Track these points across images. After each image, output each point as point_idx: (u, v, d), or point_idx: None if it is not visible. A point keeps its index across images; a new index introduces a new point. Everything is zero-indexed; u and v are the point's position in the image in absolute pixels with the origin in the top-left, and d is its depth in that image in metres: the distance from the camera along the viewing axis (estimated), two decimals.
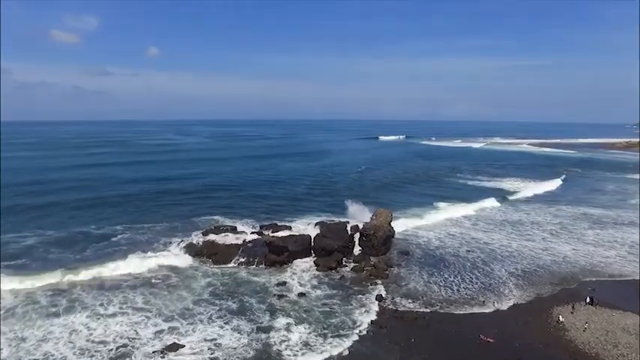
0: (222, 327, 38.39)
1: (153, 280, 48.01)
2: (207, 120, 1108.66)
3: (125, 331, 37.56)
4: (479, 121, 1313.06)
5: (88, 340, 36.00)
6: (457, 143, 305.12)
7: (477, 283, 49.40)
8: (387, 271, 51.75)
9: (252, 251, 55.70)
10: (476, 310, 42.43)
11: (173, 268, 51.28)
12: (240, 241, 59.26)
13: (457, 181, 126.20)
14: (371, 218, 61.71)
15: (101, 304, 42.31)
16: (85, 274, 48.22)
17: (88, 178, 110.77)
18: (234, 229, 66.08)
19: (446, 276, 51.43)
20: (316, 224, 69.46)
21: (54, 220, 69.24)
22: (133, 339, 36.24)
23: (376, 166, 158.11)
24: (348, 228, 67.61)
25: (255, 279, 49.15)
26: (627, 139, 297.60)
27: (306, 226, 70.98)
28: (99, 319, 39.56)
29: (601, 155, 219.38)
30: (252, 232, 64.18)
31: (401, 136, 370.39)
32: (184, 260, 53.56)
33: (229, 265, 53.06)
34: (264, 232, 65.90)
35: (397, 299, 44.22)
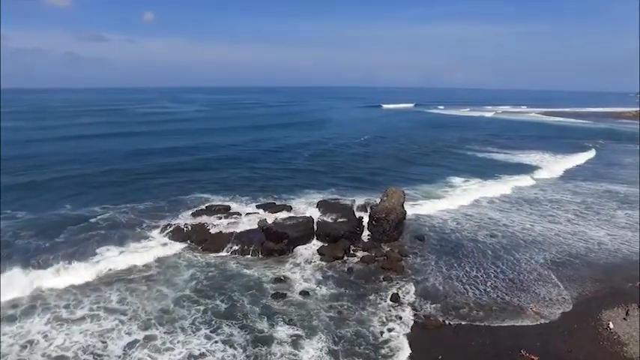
0: (209, 337, 31.85)
1: (131, 274, 41.33)
2: (204, 87, 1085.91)
3: (91, 343, 31.07)
4: (479, 88, 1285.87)
5: (43, 355, 29.55)
6: (466, 112, 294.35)
7: (504, 279, 42.60)
8: (400, 262, 45.07)
9: (247, 237, 48.89)
10: (510, 315, 35.73)
11: (156, 258, 44.50)
12: (233, 225, 52.51)
13: (471, 154, 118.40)
14: (381, 199, 54.60)
15: (67, 306, 35.79)
16: (53, 267, 41.44)
17: (74, 152, 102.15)
18: (227, 210, 59.15)
19: (467, 269, 44.74)
20: (318, 204, 62.57)
21: (29, 201, 61.98)
22: (98, 356, 29.74)
23: (382, 136, 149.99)
24: (354, 208, 61.03)
25: (250, 272, 42.46)
26: (636, 109, 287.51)
27: (307, 206, 64.21)
28: (62, 325, 33.08)
29: (615, 125, 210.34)
30: (248, 214, 57.25)
31: (406, 105, 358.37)
32: (170, 248, 46.85)
33: (221, 254, 46.32)
34: (260, 212, 59.03)
35: (415, 300, 37.53)
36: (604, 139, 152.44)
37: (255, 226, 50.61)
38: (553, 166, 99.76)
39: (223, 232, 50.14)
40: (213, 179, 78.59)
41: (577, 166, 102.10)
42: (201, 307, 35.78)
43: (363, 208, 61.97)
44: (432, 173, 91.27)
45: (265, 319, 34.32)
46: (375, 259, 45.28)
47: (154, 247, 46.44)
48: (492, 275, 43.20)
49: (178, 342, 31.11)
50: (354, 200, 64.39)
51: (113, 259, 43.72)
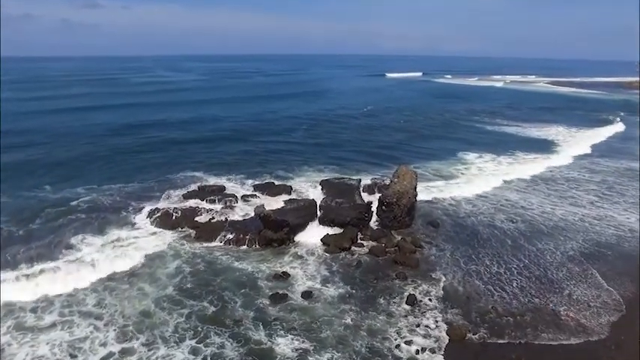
0: (195, 352, 27.24)
1: (112, 270, 36.50)
2: (202, 55, 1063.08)
3: (59, 358, 26.53)
4: (483, 57, 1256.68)
5: None
6: (473, 81, 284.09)
7: (530, 277, 37.38)
8: (414, 254, 40.23)
9: (242, 225, 43.99)
10: (545, 324, 30.79)
11: (140, 249, 39.62)
12: (227, 210, 47.56)
13: (481, 127, 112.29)
14: (391, 180, 49.27)
15: (35, 309, 31.11)
16: (23, 263, 36.56)
17: (62, 127, 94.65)
18: (221, 191, 54.06)
19: (487, 262, 39.79)
20: (321, 183, 57.29)
21: (5, 182, 56.61)
22: None
23: (386, 107, 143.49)
24: (361, 189, 55.89)
25: (245, 266, 37.61)
26: None
27: (308, 186, 59.32)
28: (25, 335, 28.47)
29: (631, 96, 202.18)
30: (244, 196, 52.14)
31: (411, 74, 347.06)
32: (156, 238, 41.93)
33: (213, 244, 41.39)
34: (258, 195, 53.97)
35: (434, 304, 32.65)
36: (624, 112, 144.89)
37: (252, 212, 45.73)
38: (570, 141, 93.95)
39: (216, 218, 45.24)
40: (207, 155, 73.28)
41: (597, 140, 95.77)
42: (186, 311, 31.07)
43: (370, 188, 56.97)
44: (442, 148, 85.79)
45: (262, 326, 29.64)
46: (385, 251, 40.42)
47: (139, 239, 41.41)
48: (516, 272, 38.22)
49: (158, 358, 26.52)
50: (360, 180, 59.13)
51: (91, 250, 38.80)
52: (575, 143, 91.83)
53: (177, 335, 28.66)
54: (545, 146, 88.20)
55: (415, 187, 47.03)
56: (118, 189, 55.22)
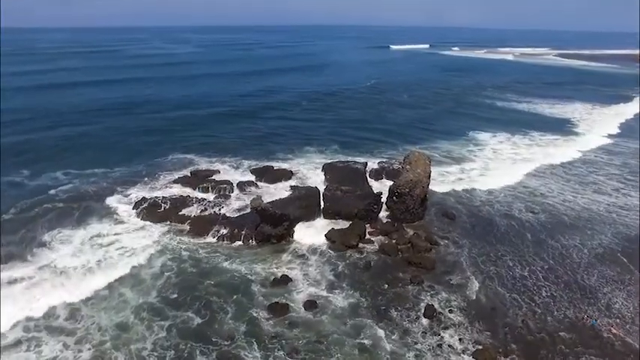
0: None
1: (88, 283, 32.11)
2: (200, 26, 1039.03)
3: None
4: (486, 28, 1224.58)
5: None
6: (481, 54, 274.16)
7: (558, 282, 33.06)
8: (429, 252, 35.94)
9: (238, 217, 39.53)
10: (585, 343, 26.63)
11: (122, 248, 35.25)
12: (222, 200, 42.98)
13: (491, 103, 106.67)
14: (402, 166, 44.50)
15: None
16: None
17: (49, 104, 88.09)
18: (215, 177, 49.44)
19: (509, 263, 35.51)
20: (324, 168, 52.82)
21: None
22: None
23: (391, 81, 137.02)
24: (367, 174, 51.35)
25: (240, 267, 33.41)
26: None
27: (310, 169, 54.81)
28: None
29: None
30: (241, 184, 47.50)
31: (416, 45, 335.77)
32: (142, 234, 37.50)
33: (204, 241, 37.04)
34: (255, 180, 49.38)
35: (457, 318, 28.47)
36: None
37: (248, 202, 41.23)
38: (587, 119, 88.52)
39: (209, 210, 40.74)
40: (201, 135, 68.32)
41: (615, 120, 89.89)
42: (168, 323, 27.08)
43: (377, 173, 52.38)
44: (451, 126, 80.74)
45: (257, 345, 25.57)
46: (398, 249, 36.07)
47: (122, 235, 36.94)
48: (542, 276, 33.87)
49: None
50: (366, 164, 54.51)
51: (68, 250, 34.52)
52: (592, 122, 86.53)
53: (155, 355, 24.65)
54: (561, 126, 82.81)
55: (429, 175, 42.37)
56: (102, 174, 50.67)
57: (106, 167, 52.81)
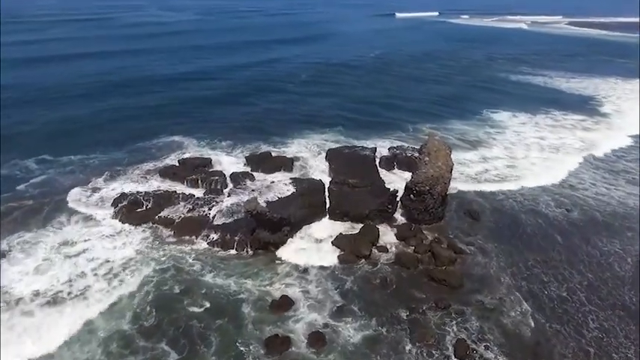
0: None
1: (56, 287, 27.15)
2: None
3: None
4: None
5: None
6: (493, 22, 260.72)
7: (603, 305, 27.87)
8: (454, 264, 30.73)
9: (230, 219, 34.12)
10: None
11: (94, 261, 29.94)
12: (213, 196, 37.41)
13: (505, 77, 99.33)
14: (419, 158, 38.58)
15: None
16: None
17: (30, 81, 79.53)
18: (205, 166, 43.83)
19: (543, 278, 30.54)
20: (328, 154, 47.26)
21: None
22: None
23: (396, 52, 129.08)
24: (377, 162, 45.71)
25: (227, 284, 28.33)
26: None
27: (312, 156, 49.41)
28: None
29: None
30: (234, 175, 41.85)
31: (423, 13, 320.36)
32: (118, 241, 32.20)
33: (190, 248, 31.77)
34: (251, 171, 43.77)
35: (496, 357, 23.42)
36: None
37: (243, 197, 35.90)
38: (611, 96, 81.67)
39: (197, 209, 35.21)
40: (191, 114, 62.25)
41: None
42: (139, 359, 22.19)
43: (388, 162, 46.73)
44: (464, 103, 74.35)
45: None
46: (417, 260, 30.78)
47: (94, 243, 31.61)
48: (583, 297, 28.63)
49: None
50: (375, 149, 48.80)
51: (34, 259, 29.38)
52: (617, 99, 79.75)
53: None
54: (584, 104, 76.18)
55: (451, 169, 36.67)
56: (79, 162, 45.06)
57: (84, 153, 47.17)
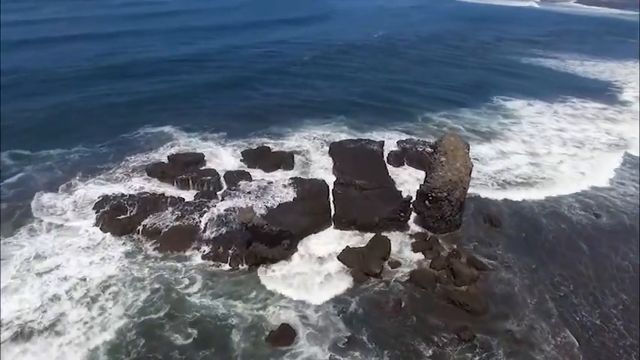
0: None
1: (25, 316, 23.63)
2: None
3: None
4: None
5: None
6: (504, 0, 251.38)
7: None
8: (476, 282, 27.25)
9: (224, 228, 30.37)
10: None
11: (67, 281, 26.24)
12: (205, 200, 33.58)
13: (517, 60, 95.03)
14: (434, 154, 34.55)
15: None
16: None
17: (6, 66, 70.92)
18: (197, 162, 39.94)
19: (573, 300, 27.32)
20: (332, 149, 43.50)
21: None
22: None
23: (399, 33, 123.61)
24: (385, 157, 41.90)
25: (216, 306, 24.91)
26: None
27: (314, 150, 45.65)
28: None
29: None
30: (229, 174, 38.00)
31: None
32: (97, 256, 28.50)
33: (177, 265, 28.09)
34: (248, 168, 40.00)
35: None
36: None
37: (237, 204, 32.17)
38: (631, 82, 77.32)
39: (188, 216, 31.41)
40: (183, 102, 57.82)
41: None
42: None
43: (397, 158, 43.00)
44: (474, 90, 69.99)
45: None
46: (435, 278, 27.25)
47: (69, 258, 27.91)
48: (621, 325, 25.33)
49: None
50: (383, 142, 44.94)
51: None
52: (637, 84, 75.35)
53: None
54: (603, 90, 71.91)
55: (470, 171, 32.81)
56: (58, 157, 41.09)
57: (65, 146, 43.12)
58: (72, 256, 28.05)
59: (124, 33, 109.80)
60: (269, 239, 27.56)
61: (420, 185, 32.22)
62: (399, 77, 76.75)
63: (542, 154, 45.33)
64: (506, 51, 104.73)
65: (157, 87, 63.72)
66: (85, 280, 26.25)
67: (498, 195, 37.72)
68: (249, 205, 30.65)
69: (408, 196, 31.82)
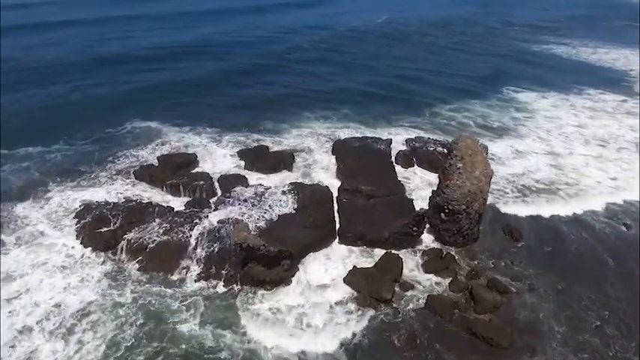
0: None
1: None
2: None
3: None
4: None
5: None
6: None
7: None
8: (498, 309, 24.34)
9: (216, 248, 27.19)
10: None
11: (36, 305, 23.29)
12: (195, 211, 30.31)
13: (529, 47, 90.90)
14: (449, 159, 31.13)
15: None
16: None
17: None
18: (189, 163, 36.71)
19: (606, 330, 24.20)
20: (335, 147, 40.32)
21: None
22: None
23: (403, 17, 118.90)
24: (393, 157, 38.74)
25: (205, 335, 22.04)
26: None
27: (315, 147, 42.23)
28: None
29: None
30: (223, 177, 34.76)
31: None
32: (77, 275, 25.43)
33: (166, 286, 25.09)
34: (245, 169, 36.83)
35: None
36: None
37: (231, 214, 28.99)
38: None
39: (177, 229, 28.12)
40: (174, 94, 53.75)
41: None
42: None
43: (406, 158, 40.00)
44: (482, 80, 66.15)
45: None
46: (453, 305, 24.27)
47: (42, 278, 24.79)
48: None
49: None
50: (391, 140, 41.69)
51: None
52: None
53: None
54: (619, 80, 68.24)
55: (490, 180, 29.60)
56: (37, 156, 37.87)
57: (45, 144, 39.78)
58: (45, 276, 24.99)
59: (112, 19, 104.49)
60: (267, 260, 24.49)
61: (435, 196, 29.00)
62: (403, 64, 73.02)
63: (563, 155, 41.69)
64: (514, 37, 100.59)
65: (146, 77, 59.75)
66: (59, 306, 23.24)
67: (519, 205, 34.20)
68: (244, 217, 27.51)
69: (421, 209, 28.66)
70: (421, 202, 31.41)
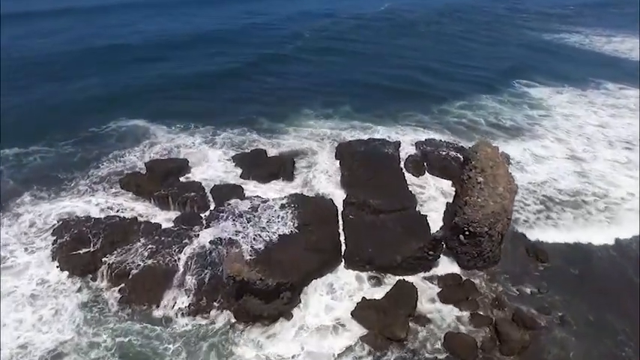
0: None
1: None
2: None
3: None
4: None
5: None
6: None
7: None
8: (527, 349, 21.48)
9: (207, 274, 24.11)
10: None
11: (6, 344, 20.39)
12: (184, 230, 27.13)
13: (540, 36, 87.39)
14: (467, 162, 27.79)
15: None
16: None
17: None
18: (181, 171, 33.47)
19: None
20: (339, 150, 37.08)
21: None
22: None
23: (408, 5, 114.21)
24: (402, 162, 35.63)
25: None
26: None
27: (317, 148, 39.17)
28: None
29: None
30: (217, 189, 31.53)
31: None
32: (49, 308, 22.41)
33: (149, 323, 22.11)
34: (241, 178, 33.62)
35: None
36: None
37: (226, 225, 25.91)
38: None
39: (164, 251, 24.99)
40: (163, 90, 50.32)
41: None
42: None
43: (416, 164, 36.80)
44: (492, 73, 62.85)
45: None
46: (475, 345, 21.37)
47: (8, 308, 21.79)
48: None
49: None
50: (399, 143, 38.53)
51: None
52: None
53: None
54: (638, 72, 64.57)
55: (514, 196, 26.45)
56: (13, 159, 34.79)
57: (23, 144, 36.86)
58: (12, 309, 21.95)
59: (102, 8, 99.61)
60: (264, 294, 21.47)
61: (452, 212, 25.93)
62: (408, 55, 69.48)
63: (587, 159, 38.14)
64: (523, 25, 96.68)
65: (134, 71, 56.79)
66: (26, 347, 20.28)
67: (542, 222, 30.78)
68: (239, 237, 24.47)
69: (438, 231, 25.53)
70: (436, 217, 28.50)
